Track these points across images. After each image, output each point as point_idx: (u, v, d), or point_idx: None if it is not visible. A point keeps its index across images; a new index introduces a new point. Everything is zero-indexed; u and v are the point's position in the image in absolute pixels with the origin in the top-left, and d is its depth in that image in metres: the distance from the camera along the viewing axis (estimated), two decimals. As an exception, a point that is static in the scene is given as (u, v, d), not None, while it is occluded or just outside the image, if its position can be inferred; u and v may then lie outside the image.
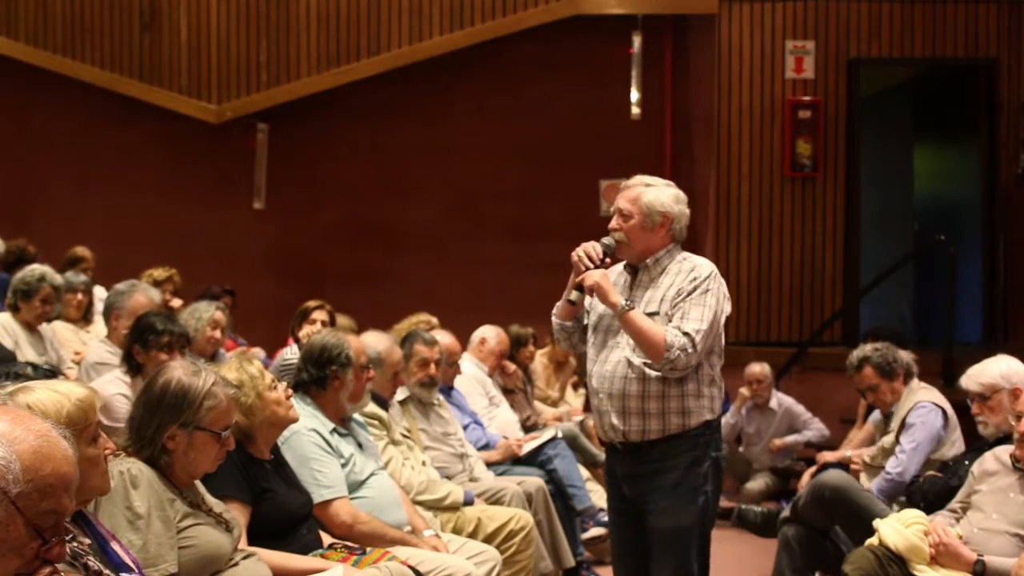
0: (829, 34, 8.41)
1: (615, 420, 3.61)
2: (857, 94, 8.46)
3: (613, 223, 3.69)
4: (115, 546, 2.43)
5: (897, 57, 8.53)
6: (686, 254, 3.69)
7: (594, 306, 3.73)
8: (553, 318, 3.80)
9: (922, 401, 5.03)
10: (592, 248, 3.63)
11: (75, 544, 2.11)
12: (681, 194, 3.70)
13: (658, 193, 3.64)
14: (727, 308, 3.64)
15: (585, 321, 3.78)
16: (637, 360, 3.57)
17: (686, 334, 3.48)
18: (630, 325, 3.55)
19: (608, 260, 3.65)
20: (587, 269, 3.59)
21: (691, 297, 3.54)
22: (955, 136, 9.42)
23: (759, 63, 8.43)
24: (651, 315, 3.58)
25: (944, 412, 5.01)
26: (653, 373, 3.54)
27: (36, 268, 6.05)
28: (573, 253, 3.63)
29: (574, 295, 3.65)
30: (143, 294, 5.38)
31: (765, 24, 8.42)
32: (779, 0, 8.41)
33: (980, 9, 8.41)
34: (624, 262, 3.78)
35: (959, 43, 8.43)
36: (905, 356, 5.24)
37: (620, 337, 3.62)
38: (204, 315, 5.56)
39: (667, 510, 3.61)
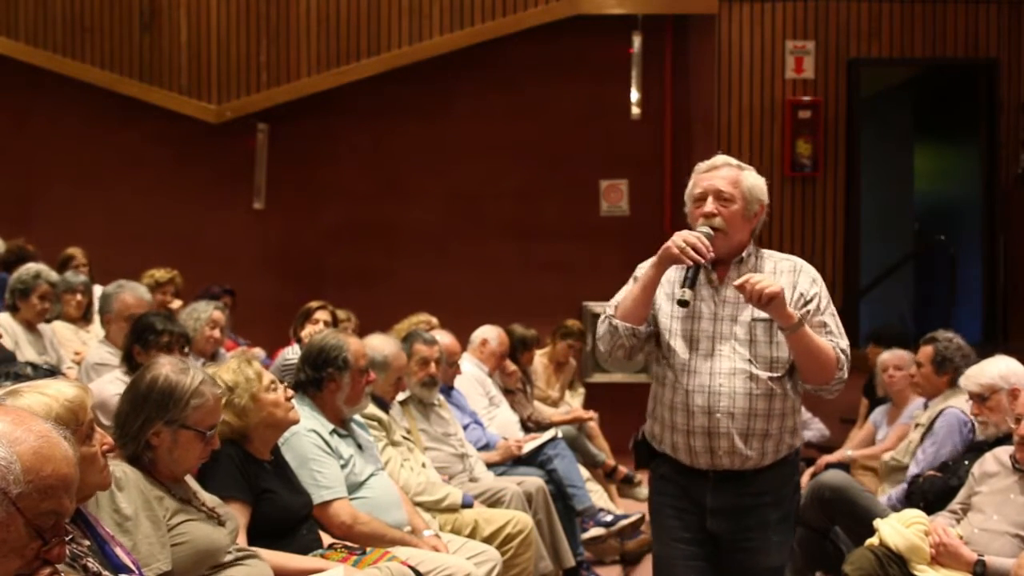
0: (829, 34, 8.41)
1: (739, 444, 3.10)
2: (857, 94, 8.46)
3: (710, 207, 3.13)
4: (116, 548, 2.43)
5: (897, 57, 8.52)
6: (766, 250, 3.26)
7: (676, 308, 3.16)
8: (618, 322, 3.15)
9: (952, 406, 5.01)
10: (697, 239, 3.04)
11: (74, 546, 2.10)
12: None
13: (755, 178, 3.20)
14: None
15: (650, 327, 3.20)
16: (762, 372, 3.10)
17: (842, 350, 3.13)
18: (804, 342, 3.05)
19: (714, 253, 3.09)
20: (694, 264, 3.03)
21: (823, 306, 3.14)
22: (955, 136, 9.42)
23: (759, 63, 8.43)
24: (762, 321, 3.11)
25: (972, 421, 4.99)
26: (776, 386, 3.11)
27: (31, 266, 6.06)
28: (671, 244, 3.04)
29: (688, 294, 3.05)
30: (130, 294, 5.38)
31: (765, 24, 8.42)
32: (779, 0, 8.41)
33: (980, 9, 8.40)
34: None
35: (959, 43, 8.42)
36: (969, 365, 5.20)
37: (726, 345, 3.11)
38: (202, 315, 5.57)
39: (776, 547, 3.20)
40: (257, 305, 8.36)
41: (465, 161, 9.05)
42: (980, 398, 4.38)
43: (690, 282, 3.07)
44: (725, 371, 3.11)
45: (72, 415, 2.25)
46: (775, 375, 3.11)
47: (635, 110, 8.65)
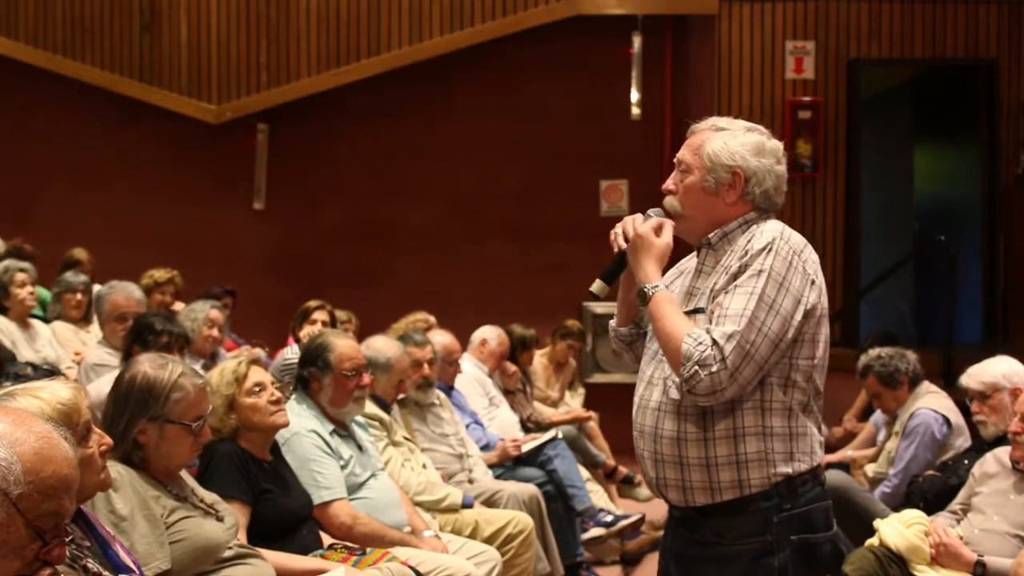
0: (829, 34, 8.41)
1: (648, 468, 2.55)
2: (857, 94, 8.46)
3: (668, 182, 2.60)
4: (117, 548, 2.43)
5: (897, 57, 8.52)
6: (768, 225, 2.50)
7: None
8: (609, 325, 2.81)
9: (922, 408, 5.04)
10: (632, 223, 2.57)
11: (74, 547, 2.10)
12: (770, 143, 2.56)
13: (728, 140, 2.52)
14: (809, 295, 2.41)
15: (648, 328, 2.65)
16: (676, 382, 2.46)
17: (714, 342, 2.34)
18: (653, 321, 2.48)
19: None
20: (620, 252, 2.59)
21: (736, 283, 2.40)
22: (955, 136, 9.42)
23: (759, 63, 8.42)
24: (692, 313, 2.48)
25: (946, 418, 5.01)
26: (690, 402, 2.44)
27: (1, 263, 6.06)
28: (612, 231, 2.61)
29: (596, 285, 2.59)
30: (120, 294, 5.38)
31: (765, 24, 8.42)
32: (779, 0, 8.41)
33: (980, 9, 8.40)
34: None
35: (959, 43, 8.42)
36: (911, 362, 5.26)
37: None
38: (199, 315, 5.57)
39: None
40: (257, 305, 8.35)
41: (465, 161, 9.05)
42: (982, 396, 4.39)
43: (609, 273, 2.60)
44: (654, 380, 2.55)
45: (66, 417, 2.23)
46: None
47: (635, 110, 8.65)
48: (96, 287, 6.42)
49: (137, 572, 2.45)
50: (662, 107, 8.93)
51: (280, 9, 8.84)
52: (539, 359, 7.53)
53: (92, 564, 2.15)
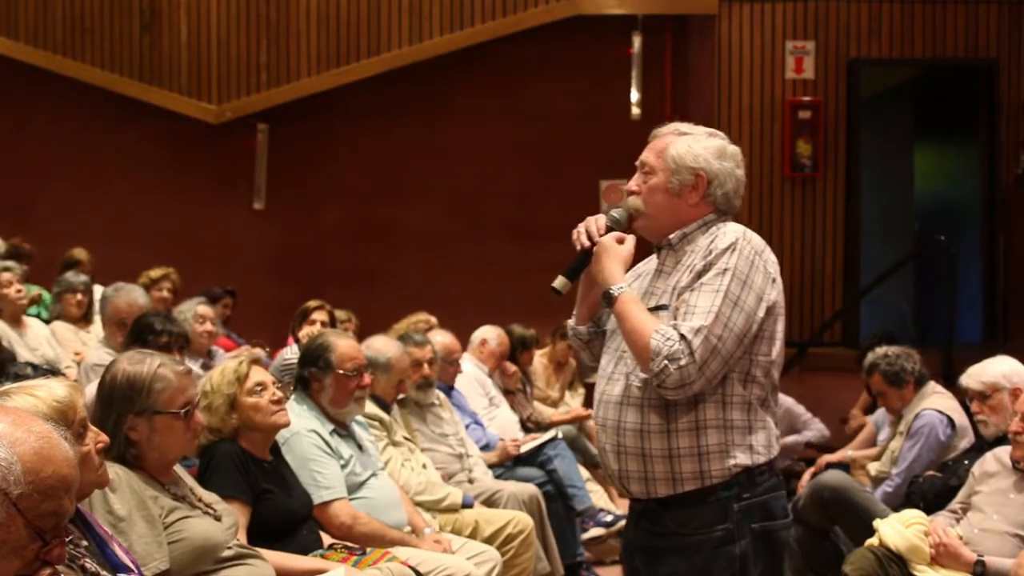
0: (829, 34, 8.41)
1: (611, 460, 2.62)
2: (857, 94, 8.46)
3: (631, 183, 2.68)
4: (115, 547, 2.42)
5: (897, 57, 8.52)
6: (729, 226, 2.59)
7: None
8: (568, 325, 2.88)
9: (926, 409, 5.04)
10: (595, 222, 2.68)
11: (71, 547, 2.10)
12: (730, 147, 2.66)
13: (691, 143, 2.62)
14: (770, 293, 2.51)
15: (608, 326, 2.75)
16: (637, 377, 2.55)
17: (682, 337, 2.41)
18: (619, 321, 2.55)
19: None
20: (583, 250, 2.67)
21: (701, 281, 2.48)
22: (955, 136, 9.42)
23: (759, 63, 8.43)
24: (655, 311, 2.56)
25: (951, 419, 5.01)
26: (656, 396, 2.51)
27: None
28: (575, 230, 2.69)
29: (559, 281, 2.66)
30: (123, 298, 5.37)
31: (765, 24, 8.42)
32: (779, 0, 8.41)
33: (980, 9, 8.41)
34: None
35: (959, 43, 8.43)
36: (917, 362, 5.25)
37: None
38: (188, 313, 5.58)
39: None
40: (257, 305, 8.36)
41: (465, 161, 9.05)
42: (982, 396, 4.39)
43: (571, 271, 2.68)
44: (615, 375, 2.63)
45: (61, 415, 2.23)
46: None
47: (635, 110, 8.65)
48: (99, 288, 6.42)
49: (136, 571, 2.45)
50: (662, 107, 8.92)
51: (280, 9, 8.84)
52: (539, 359, 7.53)
53: (90, 564, 2.15)
